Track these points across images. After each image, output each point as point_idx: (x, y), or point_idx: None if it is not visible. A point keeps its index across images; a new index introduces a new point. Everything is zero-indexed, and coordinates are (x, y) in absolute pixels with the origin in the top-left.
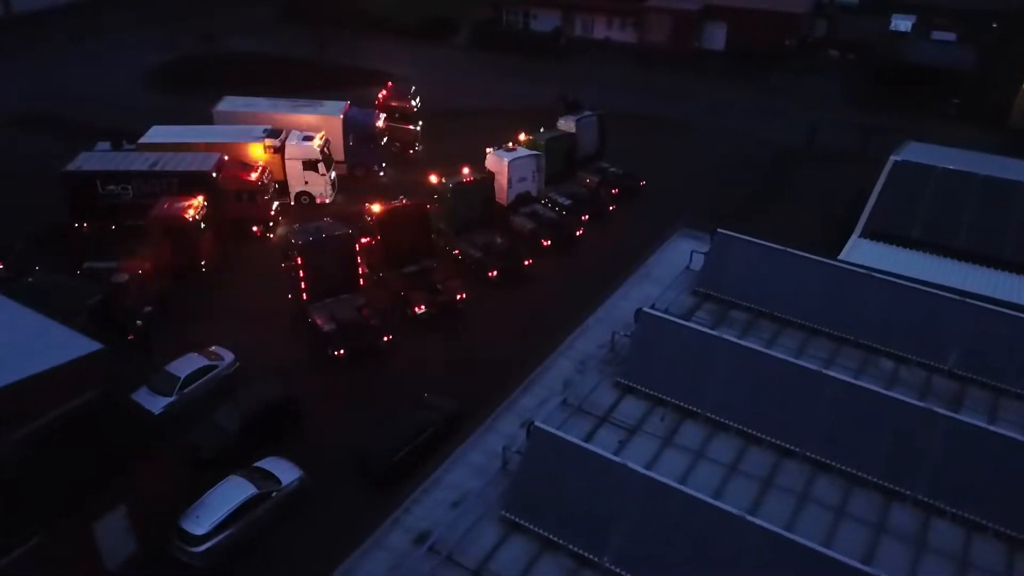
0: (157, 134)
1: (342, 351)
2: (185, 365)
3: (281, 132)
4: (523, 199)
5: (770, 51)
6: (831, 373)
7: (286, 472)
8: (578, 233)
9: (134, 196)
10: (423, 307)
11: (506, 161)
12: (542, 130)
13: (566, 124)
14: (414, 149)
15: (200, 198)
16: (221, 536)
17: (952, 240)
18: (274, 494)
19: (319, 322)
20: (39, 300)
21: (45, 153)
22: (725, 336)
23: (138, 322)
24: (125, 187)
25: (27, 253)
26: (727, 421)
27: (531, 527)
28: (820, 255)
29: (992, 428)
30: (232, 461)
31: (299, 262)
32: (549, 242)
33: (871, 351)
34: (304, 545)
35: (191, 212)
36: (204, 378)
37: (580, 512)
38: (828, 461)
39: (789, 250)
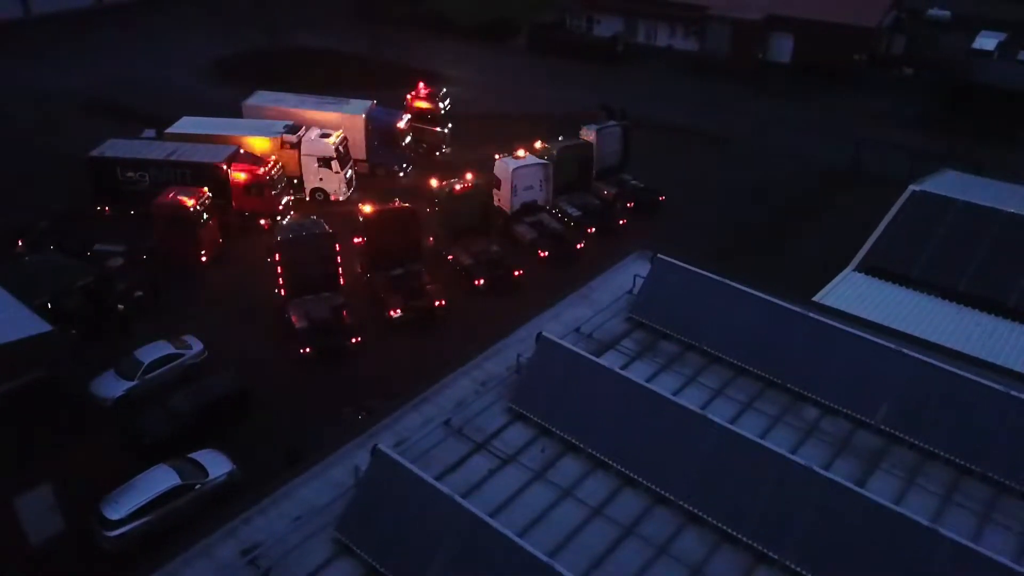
0: (185, 124)
1: (308, 349)
2: (151, 351)
3: (300, 128)
4: (530, 208)
5: (838, 66)
6: (715, 419)
7: (217, 465)
8: (579, 246)
9: (151, 183)
10: (398, 311)
11: (510, 169)
12: (561, 138)
13: (587, 133)
14: (441, 151)
15: (205, 189)
16: (136, 523)
17: (954, 281)
18: (198, 486)
19: (293, 319)
20: (31, 278)
21: (100, 137)
22: (618, 370)
23: (119, 306)
24: (143, 174)
25: (48, 232)
26: (607, 459)
27: (359, 552)
28: (804, 286)
29: (870, 496)
30: (172, 448)
31: (277, 258)
32: (546, 253)
33: (797, 397)
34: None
35: (192, 202)
36: (169, 365)
37: (407, 542)
38: (700, 513)
39: (726, 281)
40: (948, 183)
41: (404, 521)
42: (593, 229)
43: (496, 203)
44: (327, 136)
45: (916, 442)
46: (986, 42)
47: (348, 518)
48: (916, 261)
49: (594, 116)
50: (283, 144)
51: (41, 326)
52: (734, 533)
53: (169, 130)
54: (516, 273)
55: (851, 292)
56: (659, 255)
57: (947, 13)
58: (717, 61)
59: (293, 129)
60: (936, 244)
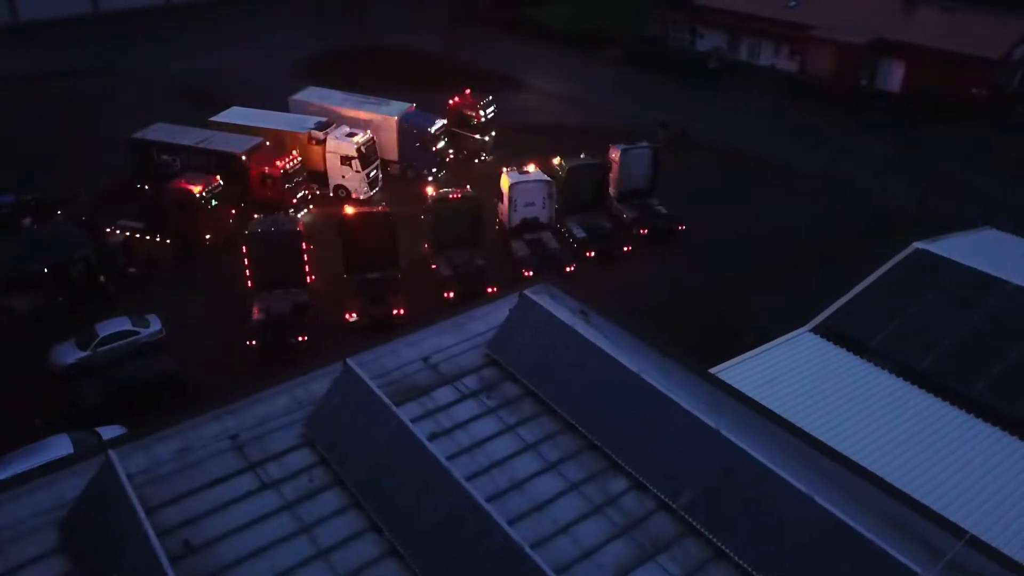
0: (230, 115)
1: (255, 342)
2: (110, 325)
3: (331, 125)
4: (532, 225)
5: (953, 100)
6: (470, 488)
7: None
8: (569, 269)
9: (181, 168)
10: (354, 316)
11: (510, 183)
12: (582, 156)
13: (613, 152)
14: (481, 159)
15: (217, 177)
16: None
17: (918, 358)
18: None
19: (254, 311)
20: (32, 246)
21: (177, 120)
22: (399, 413)
23: (101, 278)
24: (174, 159)
25: (85, 205)
26: (363, 500)
27: (74, 563)
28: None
29: None
30: (90, 420)
31: (244, 251)
32: (531, 273)
33: (613, 465)
34: None
35: (199, 189)
36: (123, 341)
37: (104, 553)
38: (420, 573)
39: (575, 330)
40: (969, 243)
41: (104, 538)
42: (592, 253)
43: (499, 216)
44: (352, 135)
45: (711, 537)
46: None
47: (67, 525)
48: (882, 329)
49: (654, 133)
50: (310, 140)
51: None
52: None
53: (214, 118)
54: (489, 290)
55: (784, 355)
56: (524, 292)
57: None
58: (815, 85)
59: (323, 126)
60: (915, 312)
